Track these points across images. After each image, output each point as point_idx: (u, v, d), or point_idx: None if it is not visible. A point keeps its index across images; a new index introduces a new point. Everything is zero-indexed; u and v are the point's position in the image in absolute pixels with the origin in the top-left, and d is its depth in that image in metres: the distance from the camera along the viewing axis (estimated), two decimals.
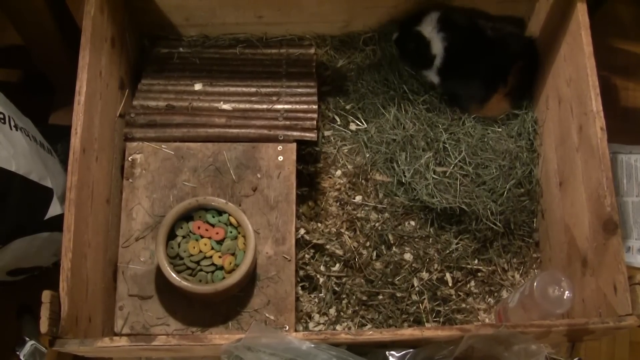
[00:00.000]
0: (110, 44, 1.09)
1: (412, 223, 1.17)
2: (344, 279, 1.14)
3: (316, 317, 1.13)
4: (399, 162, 1.18)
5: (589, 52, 1.02)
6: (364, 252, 1.16)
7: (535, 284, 0.97)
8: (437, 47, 1.19)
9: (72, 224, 0.91)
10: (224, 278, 1.01)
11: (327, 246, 1.15)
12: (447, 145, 1.18)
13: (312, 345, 0.85)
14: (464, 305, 1.15)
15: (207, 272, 1.02)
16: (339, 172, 1.21)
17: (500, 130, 1.22)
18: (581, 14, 1.05)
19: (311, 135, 1.11)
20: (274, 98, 1.17)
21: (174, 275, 0.98)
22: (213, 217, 1.05)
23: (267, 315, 1.04)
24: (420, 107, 1.22)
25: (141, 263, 1.06)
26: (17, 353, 1.27)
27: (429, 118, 1.21)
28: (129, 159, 1.10)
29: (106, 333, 1.02)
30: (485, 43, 1.20)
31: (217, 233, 1.04)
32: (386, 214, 1.17)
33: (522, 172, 1.19)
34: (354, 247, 1.15)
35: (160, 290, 1.05)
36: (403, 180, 1.16)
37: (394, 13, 1.26)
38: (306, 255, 1.16)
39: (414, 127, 1.20)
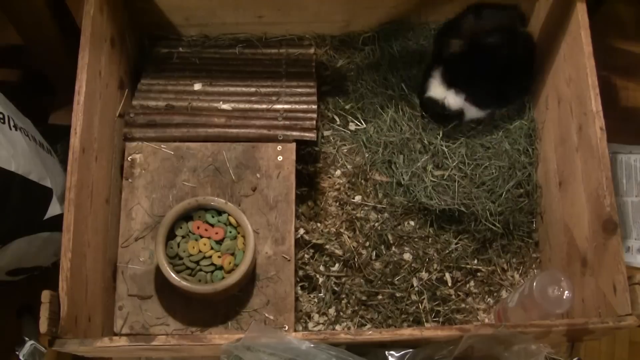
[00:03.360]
0: (110, 44, 1.09)
1: (412, 223, 1.17)
2: (343, 279, 1.14)
3: (315, 317, 1.13)
4: (397, 165, 1.18)
5: (588, 52, 1.02)
6: (364, 252, 1.15)
7: (534, 284, 0.97)
8: (455, 102, 1.17)
9: (72, 223, 0.91)
10: (223, 278, 1.01)
11: (327, 246, 1.15)
12: (444, 148, 1.18)
13: (312, 345, 0.85)
14: (463, 305, 1.15)
15: (207, 272, 1.02)
16: (338, 172, 1.21)
17: (499, 130, 1.22)
18: (581, 14, 1.05)
19: (311, 135, 1.11)
20: (274, 98, 1.17)
21: (174, 275, 0.98)
22: (212, 217, 1.05)
23: (266, 315, 1.04)
24: (415, 110, 1.22)
25: (140, 263, 1.06)
26: (17, 353, 1.27)
27: (425, 123, 1.21)
28: (129, 158, 1.10)
29: (106, 333, 1.02)
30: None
31: (216, 233, 1.04)
32: (385, 214, 1.17)
33: (522, 172, 1.19)
34: (354, 247, 1.15)
35: (160, 290, 1.05)
36: (402, 182, 1.16)
37: (394, 13, 1.26)
38: (305, 255, 1.16)
39: (410, 130, 1.20)
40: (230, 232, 1.04)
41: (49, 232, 1.17)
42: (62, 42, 1.33)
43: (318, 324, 1.13)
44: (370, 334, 0.88)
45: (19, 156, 1.10)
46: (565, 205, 1.09)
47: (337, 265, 1.15)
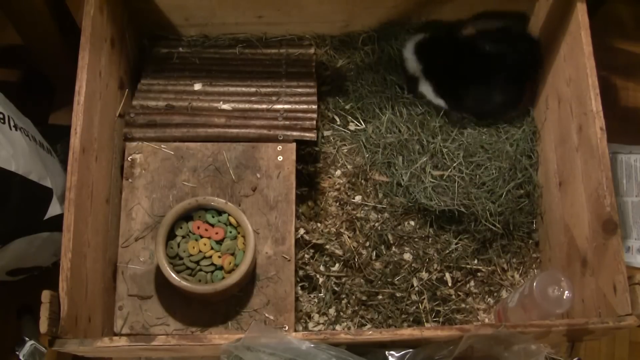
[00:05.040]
0: (110, 44, 1.09)
1: (412, 223, 1.17)
2: (343, 279, 1.14)
3: (316, 317, 1.13)
4: (396, 166, 1.18)
5: (588, 52, 1.02)
6: (364, 252, 1.15)
7: (534, 284, 0.97)
8: (412, 67, 1.22)
9: (72, 224, 0.91)
10: (223, 278, 1.01)
11: (327, 246, 1.15)
12: (443, 149, 1.18)
13: (312, 345, 0.85)
14: (463, 305, 1.15)
15: (207, 272, 1.02)
16: (338, 172, 1.21)
17: (499, 131, 1.22)
18: (581, 14, 1.05)
19: (311, 135, 1.11)
20: (274, 98, 1.17)
21: (174, 275, 0.98)
22: (213, 217, 1.05)
23: (266, 315, 1.05)
24: (413, 110, 1.22)
25: (141, 263, 1.06)
26: (17, 353, 1.27)
27: (423, 123, 1.21)
28: (129, 158, 1.10)
29: (106, 333, 1.02)
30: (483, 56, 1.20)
31: (216, 233, 1.04)
32: (386, 214, 1.17)
33: (522, 173, 1.19)
34: (354, 247, 1.15)
35: (160, 290, 1.05)
36: (401, 183, 1.16)
37: (393, 13, 1.26)
38: (306, 255, 1.16)
39: (408, 131, 1.20)
40: (231, 232, 1.04)
41: (49, 232, 1.17)
42: (62, 42, 1.33)
43: (318, 324, 1.13)
44: (370, 334, 0.88)
45: (19, 156, 1.10)
46: (565, 205, 1.09)
47: (337, 265, 1.15)
